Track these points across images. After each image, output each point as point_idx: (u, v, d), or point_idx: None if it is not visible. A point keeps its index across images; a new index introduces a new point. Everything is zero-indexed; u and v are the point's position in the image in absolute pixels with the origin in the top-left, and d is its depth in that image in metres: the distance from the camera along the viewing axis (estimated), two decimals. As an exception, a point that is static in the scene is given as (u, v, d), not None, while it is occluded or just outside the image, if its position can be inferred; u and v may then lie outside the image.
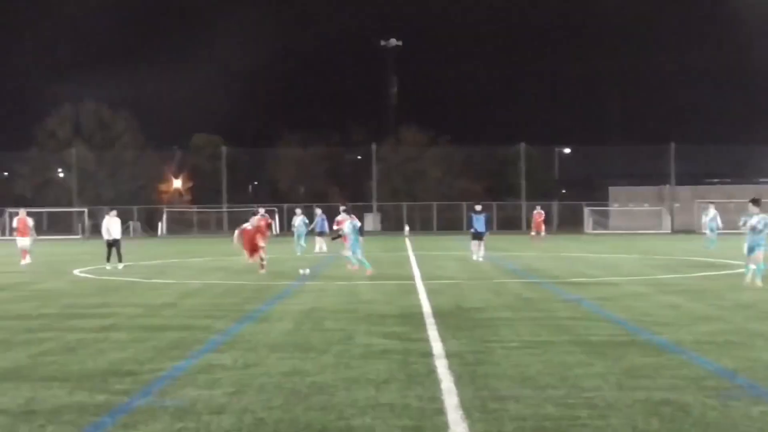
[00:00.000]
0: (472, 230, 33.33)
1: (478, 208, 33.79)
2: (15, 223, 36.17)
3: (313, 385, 9.69)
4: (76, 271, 29.44)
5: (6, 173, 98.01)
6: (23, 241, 34.88)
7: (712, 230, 42.66)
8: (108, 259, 31.00)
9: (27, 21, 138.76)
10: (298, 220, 41.50)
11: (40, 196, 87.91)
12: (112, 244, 31.23)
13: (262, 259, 27.08)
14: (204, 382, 9.87)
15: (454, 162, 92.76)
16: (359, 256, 26.80)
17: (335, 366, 10.82)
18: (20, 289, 22.77)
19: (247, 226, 27.62)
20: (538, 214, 53.98)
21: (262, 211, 33.70)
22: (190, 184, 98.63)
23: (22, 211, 36.17)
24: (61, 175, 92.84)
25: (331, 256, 33.28)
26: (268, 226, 26.87)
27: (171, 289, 22.24)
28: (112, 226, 31.56)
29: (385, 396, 9.09)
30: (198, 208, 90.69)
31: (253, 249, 27.35)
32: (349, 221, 27.97)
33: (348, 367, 10.71)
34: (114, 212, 32.41)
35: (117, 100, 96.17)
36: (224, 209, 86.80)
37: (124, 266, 30.34)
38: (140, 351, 12.09)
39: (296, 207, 45.79)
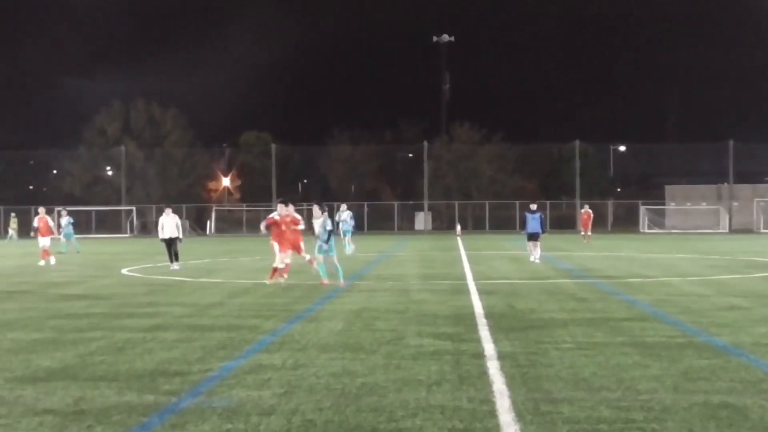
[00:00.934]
0: (527, 230, 32.46)
1: (533, 207, 32.77)
2: (35, 223, 35.46)
3: (363, 386, 9.58)
4: (124, 270, 29.58)
5: (55, 171, 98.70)
6: (44, 241, 34.30)
7: None
8: (170, 259, 30.26)
9: (76, 20, 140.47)
10: (345, 215, 40.55)
11: (89, 195, 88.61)
12: (168, 242, 30.46)
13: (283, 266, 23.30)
14: (253, 383, 9.79)
15: (507, 160, 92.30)
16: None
17: (385, 367, 10.69)
18: (68, 288, 22.87)
19: (275, 216, 23.70)
20: (586, 212, 53.40)
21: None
22: (239, 183, 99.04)
23: (42, 210, 35.70)
24: (110, 173, 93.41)
25: (383, 255, 33.11)
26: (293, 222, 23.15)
27: (219, 289, 22.24)
28: (166, 224, 30.63)
29: (436, 397, 8.96)
30: (247, 206, 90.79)
31: (296, 246, 23.89)
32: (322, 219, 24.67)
33: (398, 368, 10.58)
34: (169, 210, 31.28)
35: (166, 97, 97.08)
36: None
37: (179, 266, 29.89)
38: (189, 351, 12.05)
39: (341, 204, 44.27)
